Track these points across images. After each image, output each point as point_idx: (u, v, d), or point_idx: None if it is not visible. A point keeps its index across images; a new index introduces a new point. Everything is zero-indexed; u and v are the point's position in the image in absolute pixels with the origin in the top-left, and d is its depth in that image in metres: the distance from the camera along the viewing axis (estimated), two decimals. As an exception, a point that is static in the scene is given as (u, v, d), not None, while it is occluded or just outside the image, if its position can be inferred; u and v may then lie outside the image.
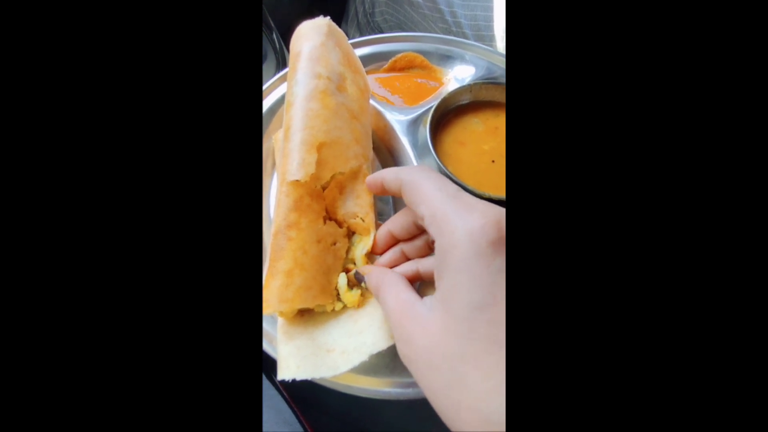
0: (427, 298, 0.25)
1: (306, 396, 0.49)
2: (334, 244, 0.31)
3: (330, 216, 0.32)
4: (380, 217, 0.39)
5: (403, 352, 0.25)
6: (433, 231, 0.25)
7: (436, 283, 0.24)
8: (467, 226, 0.23)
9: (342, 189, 0.33)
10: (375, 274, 0.29)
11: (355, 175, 0.33)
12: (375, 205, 0.34)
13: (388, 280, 0.28)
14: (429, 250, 0.30)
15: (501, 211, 0.24)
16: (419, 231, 0.30)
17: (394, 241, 0.31)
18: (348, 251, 0.33)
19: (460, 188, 0.26)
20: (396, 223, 0.30)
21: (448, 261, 0.23)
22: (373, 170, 0.35)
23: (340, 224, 0.33)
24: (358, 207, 0.33)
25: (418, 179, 0.27)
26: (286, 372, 0.28)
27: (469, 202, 0.25)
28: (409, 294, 0.26)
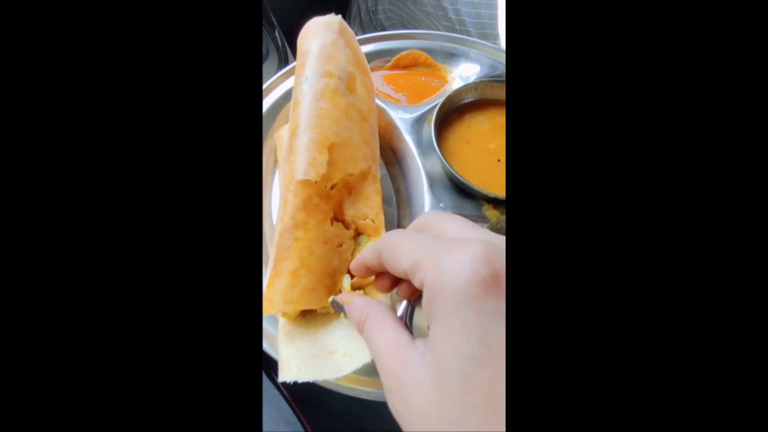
0: (419, 341, 0.22)
1: (307, 396, 0.49)
2: (341, 245, 0.31)
3: (337, 217, 0.32)
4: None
5: (395, 407, 0.21)
6: (419, 279, 0.22)
7: (429, 328, 0.21)
8: (454, 265, 0.20)
9: (350, 190, 0.33)
10: (358, 305, 0.26)
11: (364, 176, 0.33)
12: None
13: (375, 314, 0.24)
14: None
15: (493, 243, 0.21)
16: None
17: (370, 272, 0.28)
18: (353, 253, 0.32)
19: (441, 235, 0.24)
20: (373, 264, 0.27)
21: (437, 305, 0.20)
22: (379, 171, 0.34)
23: (347, 226, 0.32)
24: (368, 208, 0.32)
25: (392, 240, 0.24)
26: (287, 374, 0.27)
27: (456, 239, 0.22)
28: (399, 333, 0.23)
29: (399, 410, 0.21)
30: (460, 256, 0.20)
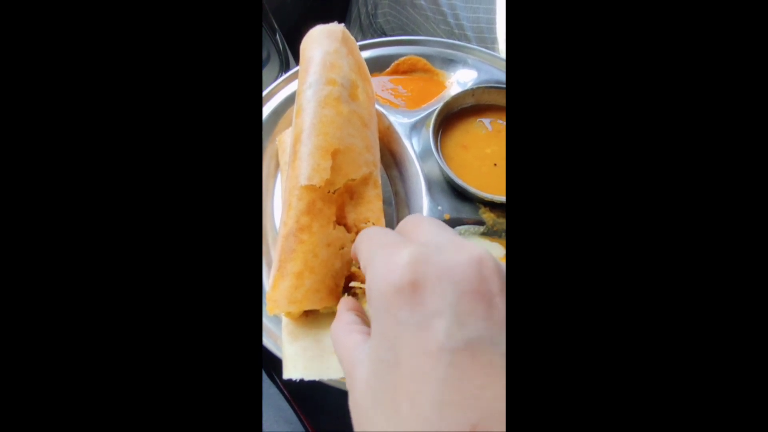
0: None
1: (307, 395, 0.49)
2: (342, 248, 0.32)
3: (339, 221, 0.33)
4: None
5: (350, 404, 0.22)
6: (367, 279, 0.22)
7: None
8: (380, 270, 0.20)
9: (352, 194, 0.34)
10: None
11: (365, 181, 0.34)
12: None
13: (339, 323, 0.25)
14: None
15: (428, 248, 0.20)
16: None
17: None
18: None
19: (404, 233, 0.24)
20: None
21: (370, 307, 0.21)
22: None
23: (348, 229, 0.33)
24: (369, 212, 0.33)
25: (361, 236, 0.25)
26: (293, 371, 0.29)
27: (397, 244, 0.21)
28: (356, 337, 0.23)
29: (351, 407, 0.21)
30: (387, 261, 0.20)
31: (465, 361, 0.18)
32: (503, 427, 0.17)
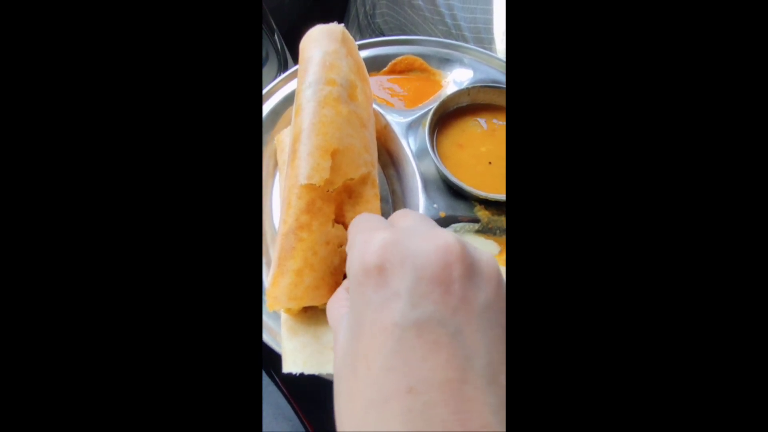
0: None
1: (306, 392, 0.50)
2: (341, 246, 0.32)
3: (338, 219, 0.33)
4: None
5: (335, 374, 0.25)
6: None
7: None
8: (356, 253, 0.23)
9: (351, 193, 0.34)
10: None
11: (364, 180, 0.34)
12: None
13: (334, 298, 0.28)
14: None
15: (400, 234, 0.23)
16: None
17: None
18: None
19: (391, 222, 0.26)
20: None
21: (350, 285, 0.24)
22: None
23: (347, 227, 0.34)
24: (367, 211, 0.34)
25: (353, 222, 0.28)
26: (292, 366, 0.29)
27: (375, 229, 0.24)
28: (344, 310, 0.26)
29: (333, 368, 0.24)
30: (362, 245, 0.23)
31: (412, 337, 0.20)
32: (435, 392, 0.19)
